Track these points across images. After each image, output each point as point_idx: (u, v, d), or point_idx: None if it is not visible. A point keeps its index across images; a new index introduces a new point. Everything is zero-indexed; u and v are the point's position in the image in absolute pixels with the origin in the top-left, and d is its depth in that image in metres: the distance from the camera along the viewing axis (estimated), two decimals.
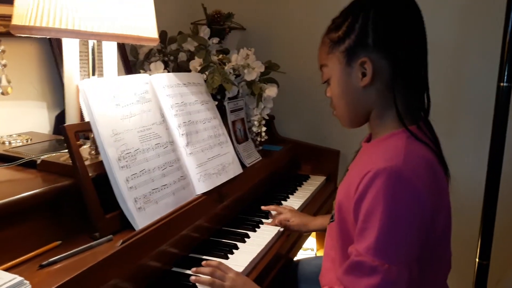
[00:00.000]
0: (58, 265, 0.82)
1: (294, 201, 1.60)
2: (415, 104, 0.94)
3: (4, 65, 0.97)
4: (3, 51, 0.94)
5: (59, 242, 0.89)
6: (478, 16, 1.76)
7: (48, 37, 1.30)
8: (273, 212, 1.43)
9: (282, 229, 1.35)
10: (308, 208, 1.63)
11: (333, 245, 1.00)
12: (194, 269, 1.02)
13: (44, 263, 0.81)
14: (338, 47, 0.93)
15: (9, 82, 0.99)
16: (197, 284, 0.99)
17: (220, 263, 1.04)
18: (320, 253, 1.89)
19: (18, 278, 0.71)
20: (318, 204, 1.69)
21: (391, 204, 0.80)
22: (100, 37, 0.95)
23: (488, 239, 1.52)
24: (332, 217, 1.01)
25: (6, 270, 0.76)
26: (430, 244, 0.87)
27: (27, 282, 0.71)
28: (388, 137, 0.92)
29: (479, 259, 1.54)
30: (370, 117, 0.95)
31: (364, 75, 0.91)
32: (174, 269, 1.08)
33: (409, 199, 0.81)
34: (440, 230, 0.90)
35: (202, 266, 1.03)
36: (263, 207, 1.45)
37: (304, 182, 1.83)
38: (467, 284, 1.63)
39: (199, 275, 1.01)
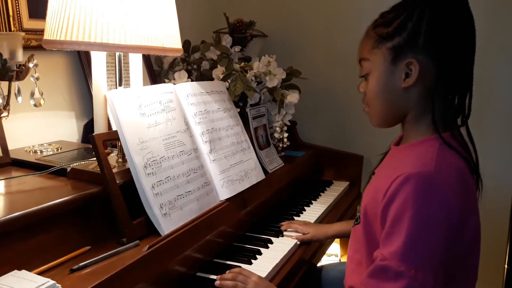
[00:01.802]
0: (88, 269, 0.85)
1: (317, 207, 1.61)
2: (453, 111, 0.92)
3: (37, 78, 1.01)
4: (36, 65, 0.99)
5: (88, 247, 0.93)
6: (504, 14, 1.73)
7: (78, 50, 1.35)
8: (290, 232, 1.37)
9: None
10: (331, 214, 1.62)
11: (358, 248, 0.99)
12: (218, 276, 1.04)
13: (75, 267, 0.84)
14: (386, 43, 0.89)
15: (41, 94, 1.03)
16: None
17: (242, 268, 1.06)
18: (344, 259, 1.89)
19: (51, 282, 0.74)
20: (342, 210, 1.69)
21: (419, 210, 0.79)
22: (127, 49, 0.99)
23: None
24: (357, 220, 1.00)
25: (39, 274, 0.80)
26: (458, 254, 0.86)
27: (59, 285, 0.75)
28: (421, 142, 0.90)
29: (508, 265, 1.51)
30: (405, 119, 0.93)
31: (407, 76, 0.88)
32: (199, 274, 1.10)
33: (438, 206, 0.80)
34: (468, 240, 0.87)
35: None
36: (282, 228, 1.38)
37: (327, 188, 1.83)
38: None
39: (223, 281, 1.02)
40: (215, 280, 1.05)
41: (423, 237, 0.80)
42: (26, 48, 1.21)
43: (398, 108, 0.92)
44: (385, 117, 0.95)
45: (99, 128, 1.11)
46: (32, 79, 1.01)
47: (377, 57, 0.91)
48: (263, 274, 1.09)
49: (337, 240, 1.90)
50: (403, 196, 0.80)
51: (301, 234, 1.33)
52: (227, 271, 1.05)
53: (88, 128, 1.44)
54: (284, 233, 1.35)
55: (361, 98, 0.99)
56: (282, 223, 1.40)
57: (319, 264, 1.43)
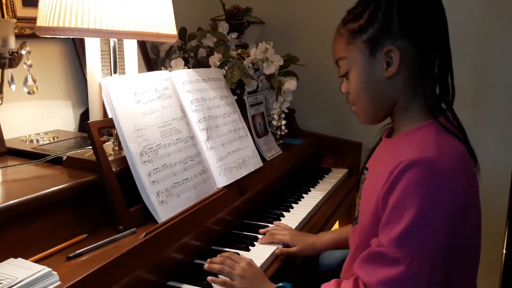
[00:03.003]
0: (84, 257, 0.85)
1: (315, 194, 1.61)
2: (441, 93, 0.89)
3: (30, 66, 1.00)
4: (29, 52, 0.98)
5: (85, 235, 0.93)
6: (503, 3, 1.71)
7: (71, 37, 1.34)
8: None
9: (305, 220, 1.34)
10: (329, 201, 1.63)
11: (360, 245, 0.94)
12: (208, 259, 1.04)
13: (71, 255, 0.84)
14: (360, 37, 0.88)
15: (34, 81, 1.02)
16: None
17: (232, 253, 1.05)
18: None
19: (47, 269, 0.74)
20: (340, 197, 1.69)
21: (423, 196, 0.77)
22: (121, 35, 0.98)
23: None
24: (356, 219, 0.98)
25: (35, 261, 0.80)
26: (460, 244, 0.83)
27: (55, 273, 0.74)
28: (417, 129, 0.87)
29: (506, 250, 1.51)
30: (394, 110, 0.91)
31: (389, 64, 0.86)
32: (197, 261, 1.10)
33: (442, 192, 0.77)
34: (471, 228, 0.85)
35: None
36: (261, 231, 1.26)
37: (325, 175, 1.83)
38: (494, 276, 1.60)
39: (212, 264, 1.02)
40: None
41: (423, 226, 0.77)
42: (20, 36, 1.20)
43: (385, 100, 0.90)
44: (374, 112, 0.93)
45: (95, 116, 1.11)
46: (25, 66, 1.00)
47: (353, 53, 0.89)
48: (261, 261, 1.10)
49: (336, 225, 1.91)
50: (405, 182, 0.78)
51: (285, 242, 1.20)
52: (218, 255, 1.05)
53: (85, 116, 1.43)
54: (256, 244, 1.20)
55: None
56: (262, 231, 1.25)
57: None
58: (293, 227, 1.31)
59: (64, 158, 1.05)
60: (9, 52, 0.93)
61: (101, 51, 1.12)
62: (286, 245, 1.20)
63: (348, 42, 0.90)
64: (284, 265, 1.15)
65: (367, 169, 0.99)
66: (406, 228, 0.77)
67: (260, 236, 1.23)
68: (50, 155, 1.07)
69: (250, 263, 1.03)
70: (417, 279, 0.78)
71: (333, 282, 0.91)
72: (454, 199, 0.79)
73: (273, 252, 1.15)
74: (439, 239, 0.79)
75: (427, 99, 0.87)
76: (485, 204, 1.03)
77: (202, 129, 1.23)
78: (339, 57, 0.93)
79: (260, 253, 1.14)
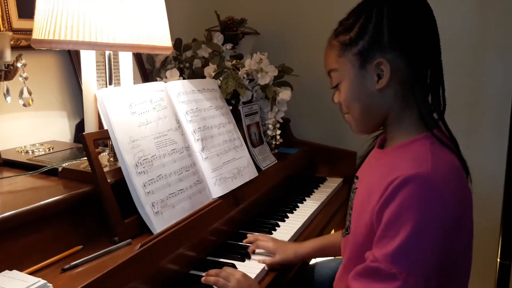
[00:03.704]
0: (80, 269, 0.85)
1: (311, 204, 1.61)
2: (432, 104, 0.90)
3: (26, 78, 1.01)
4: (25, 65, 0.99)
5: (80, 246, 0.93)
6: (496, 11, 1.74)
7: (66, 49, 1.35)
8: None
9: (301, 230, 1.35)
10: (324, 210, 1.63)
11: (351, 257, 0.95)
12: (205, 273, 1.04)
13: (66, 266, 0.84)
14: (350, 49, 0.88)
15: (30, 93, 1.03)
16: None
17: (227, 267, 1.05)
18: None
19: (42, 281, 0.74)
20: (335, 206, 1.69)
21: (418, 212, 0.77)
22: (116, 48, 0.99)
23: (509, 238, 1.50)
24: (347, 230, 0.98)
25: (31, 273, 0.80)
26: (452, 256, 0.84)
27: (50, 285, 0.75)
28: (411, 142, 0.87)
29: (500, 259, 1.52)
30: (386, 121, 0.91)
31: (379, 77, 0.86)
32: (192, 272, 1.10)
33: (436, 209, 0.78)
34: (464, 240, 0.86)
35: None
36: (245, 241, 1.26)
37: (320, 184, 1.84)
38: (489, 285, 1.61)
39: (207, 277, 1.02)
40: None
41: (419, 242, 0.77)
42: (16, 48, 1.21)
43: (377, 111, 0.91)
44: (366, 123, 0.93)
45: (90, 127, 1.11)
46: (20, 78, 1.01)
47: (344, 65, 0.90)
48: (257, 271, 1.10)
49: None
50: (400, 199, 0.78)
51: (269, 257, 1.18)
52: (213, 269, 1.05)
53: (80, 127, 1.44)
54: (252, 256, 1.19)
55: None
56: (247, 241, 1.24)
57: (311, 262, 1.44)
58: (289, 236, 1.32)
59: (60, 169, 1.05)
60: (5, 64, 0.94)
61: (97, 62, 1.13)
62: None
63: (339, 54, 0.91)
64: (278, 276, 1.15)
65: (357, 177, 0.99)
66: (402, 244, 0.77)
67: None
68: (45, 166, 1.07)
69: (245, 275, 1.02)
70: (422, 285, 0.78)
71: None
72: (448, 213, 0.79)
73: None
74: (435, 254, 0.79)
75: (421, 111, 0.87)
76: (479, 212, 1.04)
77: (197, 140, 1.24)
78: (330, 69, 0.94)
79: (255, 264, 1.14)
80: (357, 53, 0.88)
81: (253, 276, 1.07)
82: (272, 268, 1.16)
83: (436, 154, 0.83)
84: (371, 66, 0.87)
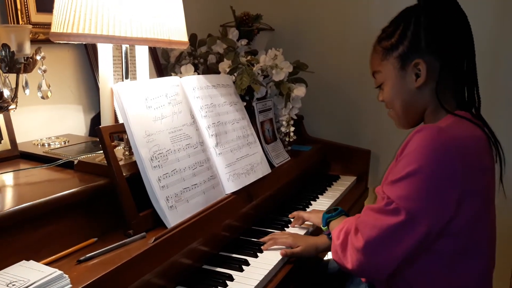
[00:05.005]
0: (95, 261, 0.86)
1: (324, 201, 1.60)
2: (468, 102, 1.02)
3: (44, 71, 1.02)
4: (43, 58, 0.99)
5: (95, 239, 0.93)
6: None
7: (84, 42, 1.36)
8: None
9: (311, 229, 1.35)
10: None
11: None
12: (262, 246, 1.19)
13: (82, 258, 0.85)
14: (392, 53, 1.01)
15: (48, 86, 1.04)
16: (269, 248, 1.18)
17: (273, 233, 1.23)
18: None
19: (58, 272, 0.75)
20: (349, 204, 1.69)
21: (420, 154, 0.87)
22: (133, 41, 0.99)
23: None
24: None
25: (47, 264, 0.81)
26: (463, 216, 0.90)
27: (66, 275, 0.75)
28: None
29: None
30: (425, 115, 1.03)
31: (417, 76, 0.99)
32: (205, 266, 1.10)
33: (439, 156, 0.87)
34: (475, 205, 0.91)
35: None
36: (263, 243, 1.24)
37: (334, 182, 1.83)
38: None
39: (265, 245, 1.18)
40: (221, 272, 1.06)
41: (417, 182, 0.88)
42: (34, 41, 1.22)
43: (416, 107, 1.03)
44: (407, 117, 1.05)
45: (106, 121, 1.12)
46: (39, 71, 1.01)
47: (387, 67, 1.03)
48: (269, 267, 1.09)
49: None
50: (414, 144, 0.89)
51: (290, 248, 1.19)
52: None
53: (96, 121, 1.45)
54: (268, 249, 1.19)
55: (370, 92, 1.09)
56: (263, 239, 1.23)
57: (325, 258, 1.43)
58: (302, 233, 1.31)
59: (75, 162, 1.06)
60: (24, 57, 0.95)
61: (113, 56, 1.13)
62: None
63: (382, 58, 1.04)
64: (291, 272, 1.15)
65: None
66: (404, 183, 0.89)
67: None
68: (61, 159, 1.08)
69: (293, 233, 1.22)
70: (413, 232, 0.88)
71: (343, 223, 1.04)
72: (451, 165, 0.87)
73: (282, 258, 1.15)
74: (432, 197, 0.88)
75: (458, 104, 1.00)
76: (499, 208, 1.04)
77: (211, 135, 1.24)
78: (374, 71, 1.08)
79: (268, 260, 1.14)
80: (397, 57, 1.01)
81: (270, 267, 1.09)
82: (288, 261, 1.17)
83: (457, 123, 0.95)
84: (409, 67, 1.00)
